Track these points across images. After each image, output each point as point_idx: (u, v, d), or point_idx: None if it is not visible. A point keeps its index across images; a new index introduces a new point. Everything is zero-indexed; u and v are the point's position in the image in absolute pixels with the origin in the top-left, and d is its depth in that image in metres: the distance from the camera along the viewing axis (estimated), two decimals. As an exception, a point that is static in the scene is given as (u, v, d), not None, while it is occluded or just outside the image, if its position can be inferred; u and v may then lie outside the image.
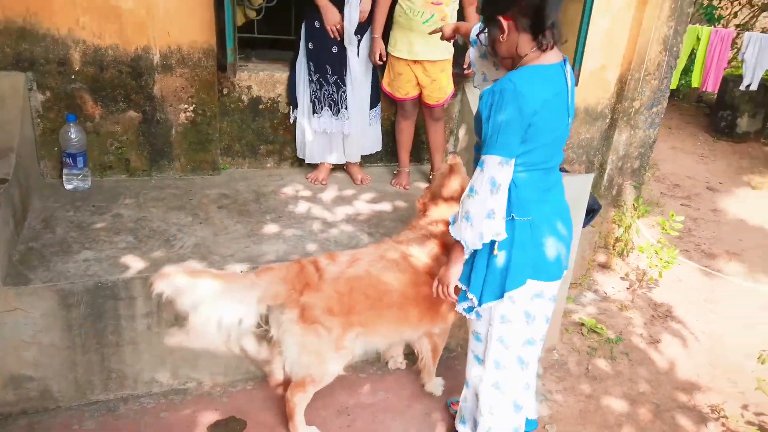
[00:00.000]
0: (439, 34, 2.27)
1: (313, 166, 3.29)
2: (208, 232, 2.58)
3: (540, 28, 1.71)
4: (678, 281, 4.03)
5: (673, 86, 6.19)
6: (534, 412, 2.41)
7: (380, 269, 2.14)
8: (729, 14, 8.90)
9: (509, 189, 1.80)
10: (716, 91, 6.99)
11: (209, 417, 2.32)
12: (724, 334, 3.47)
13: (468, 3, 3.09)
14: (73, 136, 2.72)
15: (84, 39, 2.75)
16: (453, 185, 2.41)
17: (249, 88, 3.17)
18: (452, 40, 2.32)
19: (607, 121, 4.07)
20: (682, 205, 5.43)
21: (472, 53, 2.13)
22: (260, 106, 3.22)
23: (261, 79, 3.17)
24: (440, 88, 3.14)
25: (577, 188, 2.75)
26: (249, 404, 2.41)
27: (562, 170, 4.18)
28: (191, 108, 3.01)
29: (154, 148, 3.02)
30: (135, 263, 2.27)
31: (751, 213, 5.38)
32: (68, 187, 2.81)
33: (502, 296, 1.89)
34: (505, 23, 1.73)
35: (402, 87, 3.13)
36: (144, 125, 2.97)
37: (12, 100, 2.61)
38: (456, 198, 2.35)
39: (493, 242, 1.84)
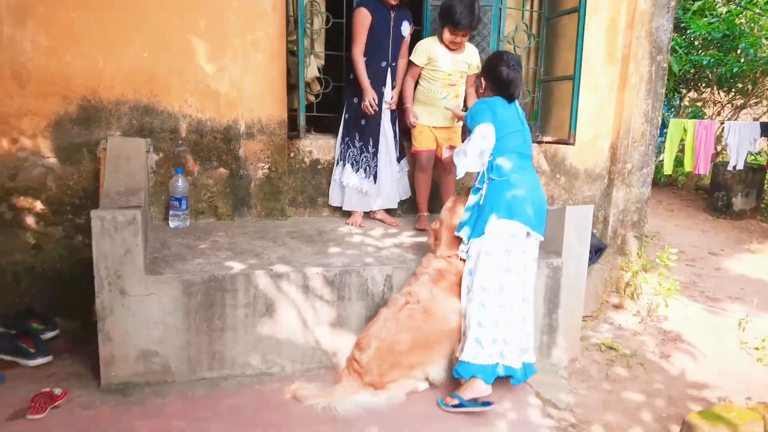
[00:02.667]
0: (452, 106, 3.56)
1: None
2: (287, 251, 3.22)
3: (506, 96, 2.88)
4: (685, 318, 4.49)
5: (669, 172, 7.00)
6: (531, 357, 2.96)
7: (398, 326, 2.81)
8: (713, 113, 9.95)
9: (493, 160, 2.83)
10: (707, 173, 7.74)
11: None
12: (732, 351, 3.90)
13: (468, 85, 3.94)
14: (180, 183, 3.47)
15: (190, 114, 3.60)
16: (459, 211, 3.07)
17: (310, 152, 3.96)
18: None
19: (605, 181, 4.79)
20: (687, 265, 5.95)
21: None
22: (318, 167, 3.99)
23: (320, 145, 3.97)
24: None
25: (581, 216, 3.39)
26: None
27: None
28: (267, 166, 3.79)
29: (237, 197, 3.76)
30: (236, 266, 2.91)
31: (751, 270, 5.87)
32: (172, 225, 3.51)
33: (483, 233, 2.76)
34: (484, 83, 2.85)
35: (424, 141, 3.86)
36: (230, 179, 3.73)
37: (136, 158, 3.40)
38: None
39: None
